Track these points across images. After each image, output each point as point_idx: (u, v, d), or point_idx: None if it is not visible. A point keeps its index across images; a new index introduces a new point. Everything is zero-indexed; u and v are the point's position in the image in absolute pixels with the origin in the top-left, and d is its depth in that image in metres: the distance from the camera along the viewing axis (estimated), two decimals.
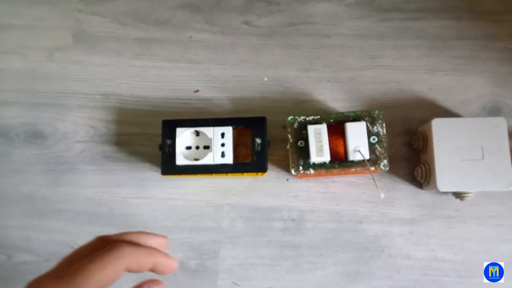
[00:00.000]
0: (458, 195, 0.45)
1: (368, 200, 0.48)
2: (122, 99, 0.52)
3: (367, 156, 0.43)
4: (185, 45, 0.53)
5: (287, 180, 0.49)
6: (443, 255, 0.47)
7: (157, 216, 0.49)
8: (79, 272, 0.21)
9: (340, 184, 0.49)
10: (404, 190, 0.48)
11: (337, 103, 0.51)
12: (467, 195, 0.45)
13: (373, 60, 0.51)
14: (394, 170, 0.49)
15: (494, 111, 0.49)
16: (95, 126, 0.51)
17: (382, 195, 0.44)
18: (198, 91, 0.52)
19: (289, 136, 0.45)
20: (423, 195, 0.48)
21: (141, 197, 0.49)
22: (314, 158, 0.43)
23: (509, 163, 0.43)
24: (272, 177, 0.49)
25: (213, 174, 0.45)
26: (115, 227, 0.48)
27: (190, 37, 0.53)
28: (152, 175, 0.49)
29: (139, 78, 0.52)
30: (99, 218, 0.48)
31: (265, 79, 0.52)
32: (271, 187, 0.49)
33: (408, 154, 0.49)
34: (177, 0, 0.54)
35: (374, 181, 0.43)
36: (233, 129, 0.46)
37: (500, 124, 0.44)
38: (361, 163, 0.44)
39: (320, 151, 0.43)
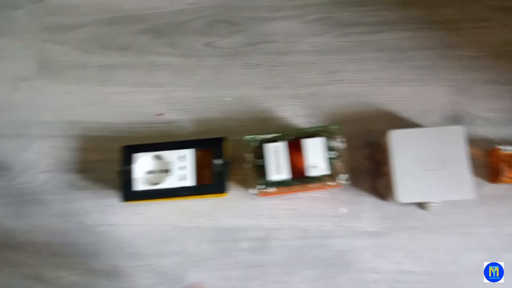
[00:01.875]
0: (422, 205, 0.45)
1: (333, 215, 0.48)
2: (86, 127, 0.52)
3: (325, 172, 0.43)
4: (148, 69, 0.53)
5: (256, 196, 0.49)
6: (410, 267, 0.46)
7: (122, 243, 0.49)
8: None
9: (305, 200, 0.49)
10: (369, 203, 0.48)
11: (300, 119, 0.51)
12: (430, 205, 0.45)
13: (334, 74, 0.52)
14: (358, 183, 0.48)
15: (455, 119, 0.49)
16: (60, 155, 0.51)
17: (344, 210, 0.44)
18: (162, 114, 0.52)
19: (248, 155, 0.45)
20: (388, 207, 0.48)
21: (105, 225, 0.49)
22: (273, 176, 0.43)
23: (468, 171, 0.43)
24: (238, 197, 0.49)
25: (175, 198, 0.45)
26: (80, 257, 0.48)
27: (153, 61, 0.53)
28: (116, 202, 0.49)
29: (103, 105, 0.53)
30: (64, 248, 0.48)
31: (228, 99, 0.52)
32: (236, 207, 0.49)
33: (371, 167, 0.49)
34: (139, 25, 0.55)
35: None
36: (198, 151, 0.46)
37: (458, 132, 0.44)
38: (320, 179, 0.44)
39: (278, 169, 0.43)
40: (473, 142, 0.48)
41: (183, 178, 0.44)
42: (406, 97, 0.50)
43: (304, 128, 0.45)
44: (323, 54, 0.52)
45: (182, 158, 0.45)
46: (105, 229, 0.49)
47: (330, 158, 0.44)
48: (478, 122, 0.49)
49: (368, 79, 0.51)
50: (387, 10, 0.52)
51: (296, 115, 0.51)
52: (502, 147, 0.46)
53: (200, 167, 0.46)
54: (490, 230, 0.47)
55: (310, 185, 0.44)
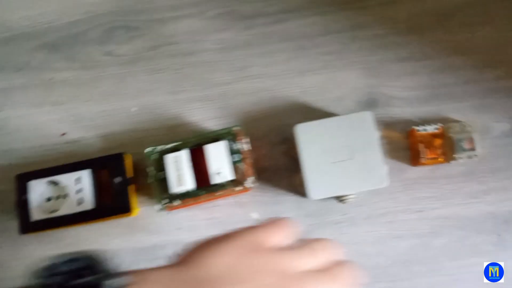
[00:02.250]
0: (339, 199, 0.43)
1: (254, 219, 0.45)
2: None
3: (230, 177, 0.40)
4: (48, 87, 0.50)
5: (167, 212, 0.46)
6: None
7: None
8: None
9: (224, 207, 0.46)
10: (289, 202, 0.45)
11: (211, 122, 0.48)
12: (347, 198, 0.42)
13: (242, 71, 0.49)
14: (276, 182, 0.46)
15: (370, 102, 0.47)
16: None
17: (255, 215, 0.42)
18: (65, 134, 0.49)
19: (149, 169, 0.42)
20: (308, 203, 0.45)
21: (18, 259, 0.46)
22: (175, 189, 0.40)
23: (380, 157, 0.41)
24: (152, 212, 0.46)
25: (76, 224, 0.42)
26: None
27: (51, 78, 0.50)
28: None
29: (2, 131, 0.49)
30: None
31: (133, 109, 0.49)
32: (153, 224, 0.46)
33: (288, 164, 0.46)
34: (34, 42, 0.51)
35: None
36: (99, 170, 0.43)
37: (366, 118, 0.42)
38: (226, 185, 0.41)
39: (180, 180, 0.41)
40: (392, 124, 0.46)
41: (82, 202, 0.41)
42: (318, 86, 0.48)
43: (207, 133, 0.43)
44: (229, 50, 0.49)
45: (78, 180, 0.42)
46: (19, 263, 0.46)
47: (235, 162, 0.41)
48: (395, 103, 0.47)
49: (277, 72, 0.48)
50: None
51: (207, 118, 0.48)
52: (418, 128, 0.44)
53: (103, 187, 0.43)
54: (416, 215, 0.44)
55: (217, 193, 0.41)
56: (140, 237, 0.46)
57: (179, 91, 0.49)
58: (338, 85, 0.47)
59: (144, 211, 0.46)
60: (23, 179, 0.43)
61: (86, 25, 0.51)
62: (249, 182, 0.41)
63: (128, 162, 0.44)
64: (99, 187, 0.42)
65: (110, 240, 0.46)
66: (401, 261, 0.44)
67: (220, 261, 0.28)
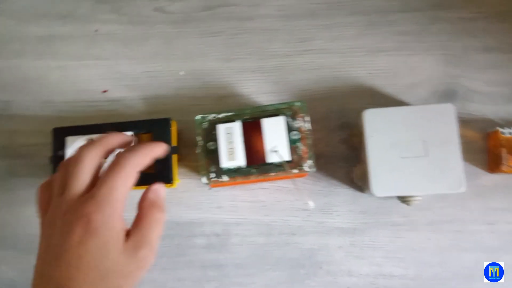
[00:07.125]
0: (403, 199, 0.38)
1: (302, 208, 0.41)
2: (24, 106, 0.45)
3: (286, 157, 0.36)
4: (91, 40, 0.46)
5: (209, 188, 0.42)
6: (391, 270, 0.39)
7: None
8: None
9: (269, 190, 0.42)
10: (343, 195, 0.41)
11: (264, 96, 0.43)
12: (413, 199, 0.37)
13: (303, 43, 0.44)
14: (331, 171, 0.41)
15: (447, 94, 0.41)
16: None
17: (311, 204, 0.37)
18: (106, 91, 0.45)
19: (199, 138, 0.38)
20: (365, 199, 0.41)
21: None
22: (225, 163, 0.36)
23: (459, 158, 0.36)
24: (193, 186, 0.42)
25: None
26: (19, 251, 0.42)
27: (96, 30, 0.46)
28: None
29: (41, 81, 0.46)
30: (2, 241, 0.43)
31: (181, 73, 0.45)
32: (191, 198, 0.42)
33: (347, 152, 0.41)
34: None
35: (296, 187, 0.36)
36: (140, 134, 0.40)
37: (447, 111, 0.36)
38: (282, 166, 0.37)
39: (231, 154, 0.36)
40: (469, 122, 0.41)
41: None
42: (389, 69, 0.42)
43: (264, 106, 0.38)
44: (291, 19, 0.44)
45: None
46: None
47: (294, 141, 0.37)
48: (476, 98, 0.41)
49: (344, 48, 0.43)
50: None
51: (260, 92, 0.43)
52: (502, 130, 0.38)
53: None
54: (486, 227, 0.39)
55: (270, 174, 0.37)
56: (177, 211, 0.42)
57: (232, 58, 0.44)
58: (412, 71, 0.42)
59: (183, 184, 0.42)
60: (60, 134, 0.39)
61: None
62: (307, 165, 0.36)
63: (174, 130, 0.40)
64: None
65: None
66: (463, 275, 0.39)
67: None
